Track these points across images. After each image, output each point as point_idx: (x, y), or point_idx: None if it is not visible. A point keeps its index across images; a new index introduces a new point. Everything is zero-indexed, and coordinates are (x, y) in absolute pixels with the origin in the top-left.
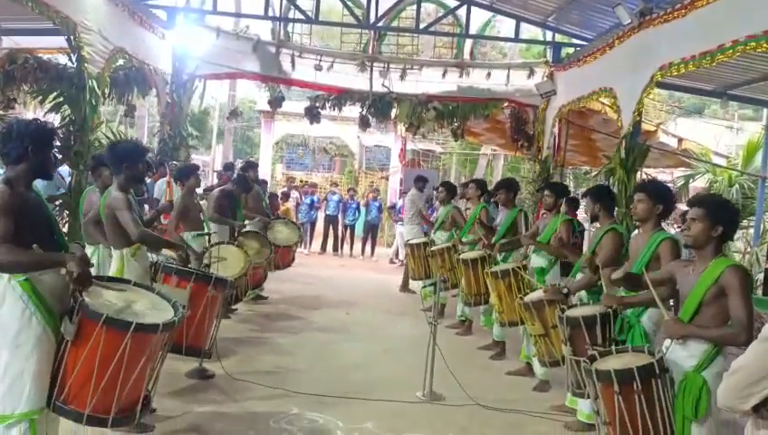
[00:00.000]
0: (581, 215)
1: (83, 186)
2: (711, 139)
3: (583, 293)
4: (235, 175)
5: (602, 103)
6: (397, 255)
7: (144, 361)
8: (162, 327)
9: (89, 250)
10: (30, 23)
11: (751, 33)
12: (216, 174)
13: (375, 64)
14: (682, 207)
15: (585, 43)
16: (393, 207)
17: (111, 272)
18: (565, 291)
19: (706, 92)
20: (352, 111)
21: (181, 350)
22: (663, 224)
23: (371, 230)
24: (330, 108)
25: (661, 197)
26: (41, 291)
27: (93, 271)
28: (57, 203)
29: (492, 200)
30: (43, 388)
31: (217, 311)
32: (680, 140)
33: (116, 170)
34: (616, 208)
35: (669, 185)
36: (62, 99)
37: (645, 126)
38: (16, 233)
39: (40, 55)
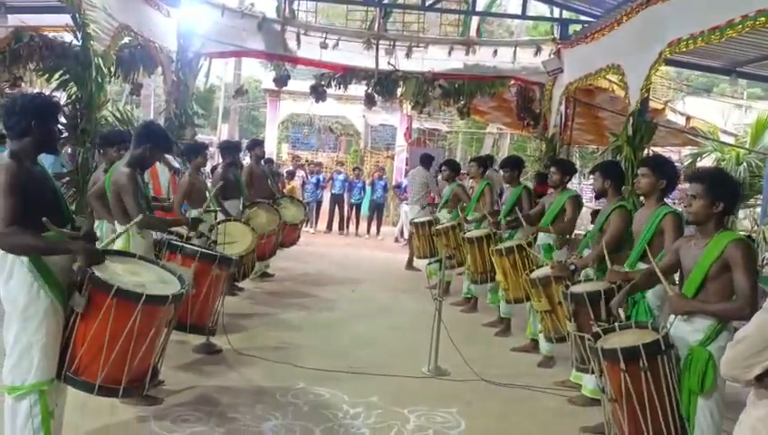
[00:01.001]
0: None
1: (90, 164)
2: (719, 117)
3: (590, 269)
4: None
5: (609, 81)
6: (402, 234)
7: (153, 332)
8: (171, 299)
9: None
10: (35, 0)
11: (761, 7)
12: (220, 153)
13: (381, 42)
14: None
15: (593, 19)
16: (398, 186)
17: (116, 247)
18: (572, 268)
19: (715, 69)
20: (358, 90)
21: (186, 328)
22: (669, 202)
23: (377, 209)
24: (335, 86)
25: (664, 171)
26: (48, 264)
27: (97, 245)
28: (64, 181)
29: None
30: (52, 360)
31: (221, 289)
32: (688, 119)
33: (136, 144)
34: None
35: (677, 164)
36: (67, 76)
37: (652, 104)
38: (23, 207)
39: (45, 33)
